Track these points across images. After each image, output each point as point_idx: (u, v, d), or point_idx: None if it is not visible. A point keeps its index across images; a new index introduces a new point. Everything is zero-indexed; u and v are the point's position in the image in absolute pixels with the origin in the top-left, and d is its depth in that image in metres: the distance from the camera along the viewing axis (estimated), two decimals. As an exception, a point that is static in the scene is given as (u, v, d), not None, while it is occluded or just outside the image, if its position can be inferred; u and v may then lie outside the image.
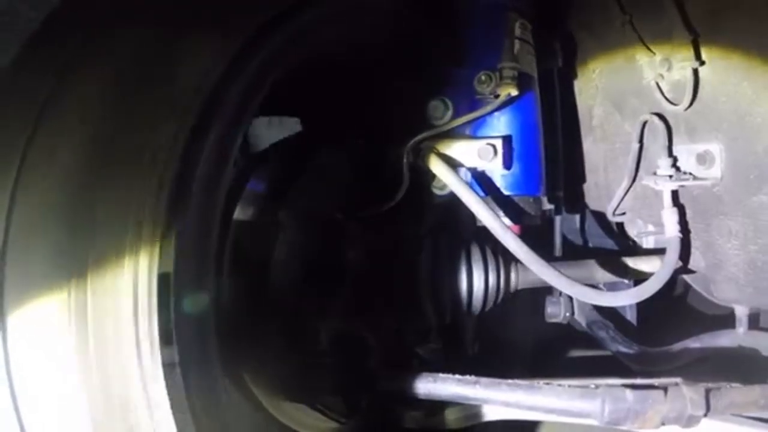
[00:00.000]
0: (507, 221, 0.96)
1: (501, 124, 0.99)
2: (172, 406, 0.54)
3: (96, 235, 0.54)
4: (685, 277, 1.19)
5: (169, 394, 0.54)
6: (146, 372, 0.53)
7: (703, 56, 0.93)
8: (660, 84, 0.98)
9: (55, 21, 0.64)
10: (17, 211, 0.53)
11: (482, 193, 0.97)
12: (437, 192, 0.99)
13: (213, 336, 0.62)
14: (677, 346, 1.23)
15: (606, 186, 1.15)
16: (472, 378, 0.90)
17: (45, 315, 0.52)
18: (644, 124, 1.01)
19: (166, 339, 0.55)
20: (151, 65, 0.60)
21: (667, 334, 1.26)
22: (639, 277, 1.08)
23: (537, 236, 1.08)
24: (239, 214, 0.93)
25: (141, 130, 0.57)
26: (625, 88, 1.05)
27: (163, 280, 0.55)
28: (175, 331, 0.56)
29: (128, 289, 0.54)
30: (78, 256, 0.53)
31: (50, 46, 0.62)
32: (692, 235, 1.03)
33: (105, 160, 0.56)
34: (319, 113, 1.20)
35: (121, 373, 0.53)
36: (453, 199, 0.92)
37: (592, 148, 1.16)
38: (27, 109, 0.57)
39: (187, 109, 0.60)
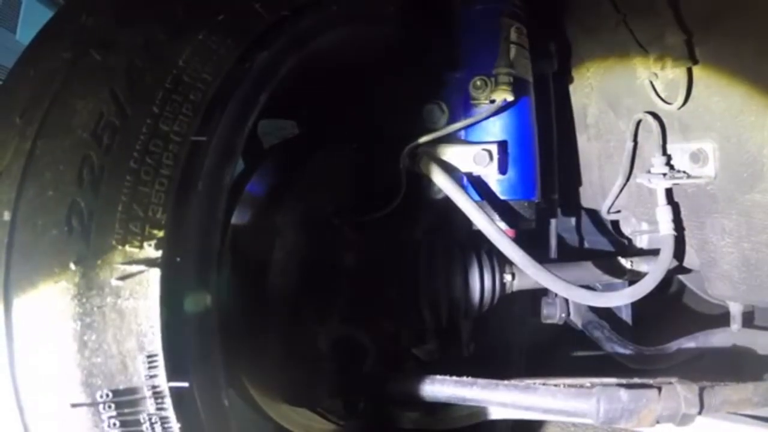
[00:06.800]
0: (503, 225, 0.96)
1: (496, 129, 0.99)
2: (175, 401, 0.55)
3: (100, 228, 0.55)
4: (680, 276, 1.21)
5: (173, 388, 0.55)
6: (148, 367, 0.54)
7: (697, 55, 0.93)
8: (654, 83, 0.98)
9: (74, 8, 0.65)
10: (24, 201, 0.54)
11: (478, 198, 0.98)
12: (433, 196, 0.99)
13: (215, 336, 0.63)
14: (672, 345, 1.24)
15: (600, 184, 1.15)
16: (470, 379, 0.90)
17: (49, 304, 0.53)
18: (638, 122, 1.02)
19: (168, 335, 0.55)
20: (159, 61, 0.61)
21: (662, 333, 1.27)
22: (634, 277, 1.08)
23: (533, 237, 1.09)
24: (237, 217, 0.93)
25: (148, 125, 0.58)
26: (619, 86, 1.05)
27: (166, 275, 0.56)
28: (177, 327, 0.57)
29: (131, 283, 0.55)
30: (82, 248, 0.54)
31: (64, 38, 0.62)
32: (686, 233, 1.04)
33: (111, 153, 0.56)
34: (317, 116, 1.20)
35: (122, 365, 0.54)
36: (449, 203, 0.92)
37: (586, 147, 1.16)
38: (37, 100, 0.58)
39: (194, 106, 0.61)
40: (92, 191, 0.55)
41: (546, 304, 1.21)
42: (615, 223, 1.21)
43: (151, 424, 0.55)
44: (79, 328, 0.53)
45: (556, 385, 0.88)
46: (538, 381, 0.90)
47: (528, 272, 0.87)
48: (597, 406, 0.84)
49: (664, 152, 0.99)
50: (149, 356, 0.55)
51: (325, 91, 1.05)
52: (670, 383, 0.85)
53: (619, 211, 1.14)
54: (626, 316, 1.34)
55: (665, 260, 0.96)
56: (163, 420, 0.55)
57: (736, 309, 1.13)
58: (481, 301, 1.03)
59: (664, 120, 0.99)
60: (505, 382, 0.89)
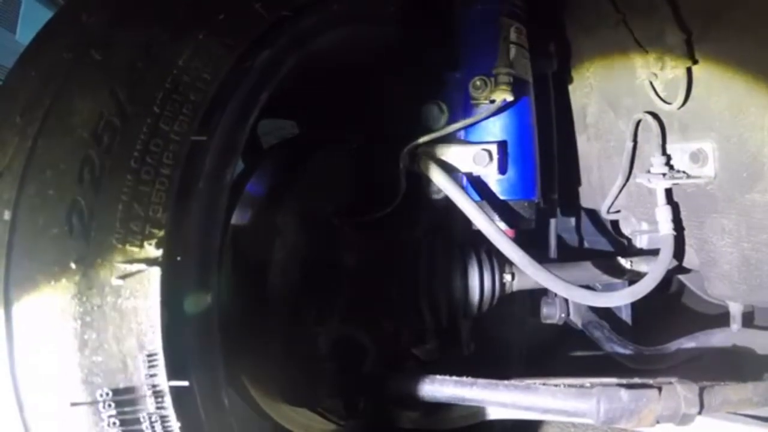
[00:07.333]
0: (502, 225, 0.96)
1: (496, 129, 0.99)
2: (174, 400, 0.55)
3: (100, 227, 0.55)
4: (680, 276, 1.20)
5: (173, 387, 0.55)
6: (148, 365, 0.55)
7: (697, 55, 0.93)
8: (653, 83, 0.98)
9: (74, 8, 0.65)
10: (24, 200, 0.54)
11: (477, 198, 0.98)
12: (433, 196, 0.99)
13: (215, 335, 0.63)
14: (672, 345, 1.24)
15: (600, 184, 1.15)
16: (470, 379, 0.90)
17: (49, 302, 0.53)
18: (638, 122, 1.02)
19: (168, 334, 0.55)
20: (159, 61, 0.61)
21: (662, 333, 1.27)
22: (634, 277, 1.09)
23: (533, 237, 1.08)
24: (237, 217, 0.93)
25: (148, 124, 0.59)
26: (618, 86, 1.05)
27: (166, 274, 0.56)
28: (177, 326, 0.57)
29: (131, 282, 0.55)
30: (82, 247, 0.54)
31: (64, 37, 0.62)
32: (686, 233, 1.03)
33: (111, 153, 0.57)
34: (317, 116, 1.20)
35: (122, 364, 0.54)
36: (449, 203, 0.92)
37: (586, 147, 1.16)
38: (38, 99, 0.58)
39: (194, 106, 0.61)
40: (93, 190, 0.55)
41: (546, 303, 1.21)
42: (615, 223, 1.21)
43: (151, 423, 0.55)
44: (80, 327, 0.53)
45: (556, 385, 0.88)
46: (538, 381, 0.90)
47: (528, 272, 0.87)
48: (597, 406, 0.84)
49: (664, 152, 0.99)
50: (149, 355, 0.55)
51: (325, 91, 1.05)
52: (670, 383, 0.85)
53: (618, 211, 1.14)
54: (626, 316, 1.34)
55: (665, 260, 0.96)
56: (163, 419, 0.55)
57: (735, 309, 1.13)
58: (481, 301, 1.03)
59: (664, 120, 0.99)
60: (505, 382, 0.89)
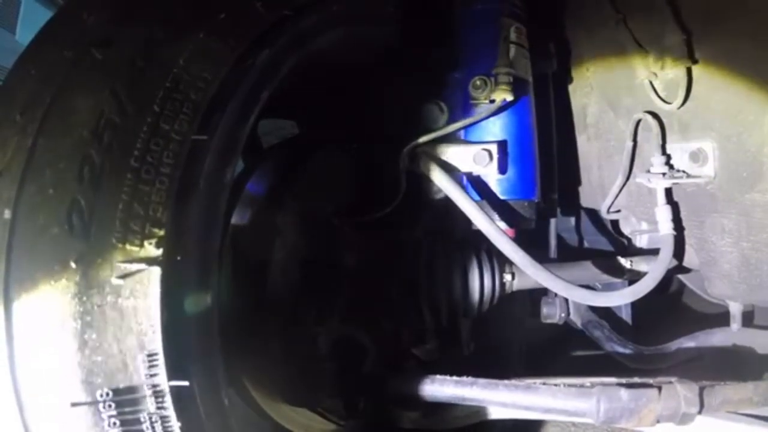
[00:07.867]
0: (502, 225, 0.96)
1: (496, 128, 0.99)
2: (175, 400, 0.55)
3: (100, 226, 0.55)
4: (680, 275, 1.21)
5: (173, 387, 0.55)
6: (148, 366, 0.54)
7: (697, 55, 0.93)
8: (653, 82, 0.98)
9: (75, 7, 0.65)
10: (24, 199, 0.54)
11: (477, 198, 0.98)
12: (433, 196, 0.99)
13: (215, 334, 0.63)
14: (672, 345, 1.24)
15: (600, 184, 1.15)
16: (470, 379, 0.90)
17: (49, 302, 0.53)
18: (638, 122, 1.02)
19: (168, 333, 0.55)
20: (160, 60, 0.61)
21: (662, 332, 1.27)
22: (634, 277, 1.09)
23: (533, 237, 1.09)
24: (237, 217, 0.93)
25: (149, 123, 0.58)
26: (618, 86, 1.05)
27: (167, 274, 0.56)
28: (177, 326, 0.56)
29: (131, 282, 0.54)
30: (82, 247, 0.54)
31: (65, 36, 0.62)
32: (686, 233, 1.04)
33: (111, 152, 0.56)
34: (317, 116, 1.20)
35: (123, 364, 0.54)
36: (449, 203, 0.92)
37: (586, 147, 1.16)
38: (38, 98, 0.58)
39: (194, 105, 0.61)
40: (93, 189, 0.55)
41: (546, 303, 1.21)
42: (615, 223, 1.21)
43: (152, 423, 0.55)
44: (80, 327, 0.53)
45: (556, 385, 0.88)
46: (538, 381, 0.90)
47: (528, 272, 0.87)
48: (597, 405, 0.84)
49: (664, 152, 0.99)
50: (149, 355, 0.55)
51: (325, 91, 1.05)
52: (670, 383, 0.85)
53: (618, 211, 1.14)
54: (626, 315, 1.34)
55: (665, 260, 0.96)
56: (164, 419, 0.55)
57: (735, 308, 1.13)
58: (481, 301, 1.03)
59: (664, 119, 0.99)
60: (505, 381, 0.89)
